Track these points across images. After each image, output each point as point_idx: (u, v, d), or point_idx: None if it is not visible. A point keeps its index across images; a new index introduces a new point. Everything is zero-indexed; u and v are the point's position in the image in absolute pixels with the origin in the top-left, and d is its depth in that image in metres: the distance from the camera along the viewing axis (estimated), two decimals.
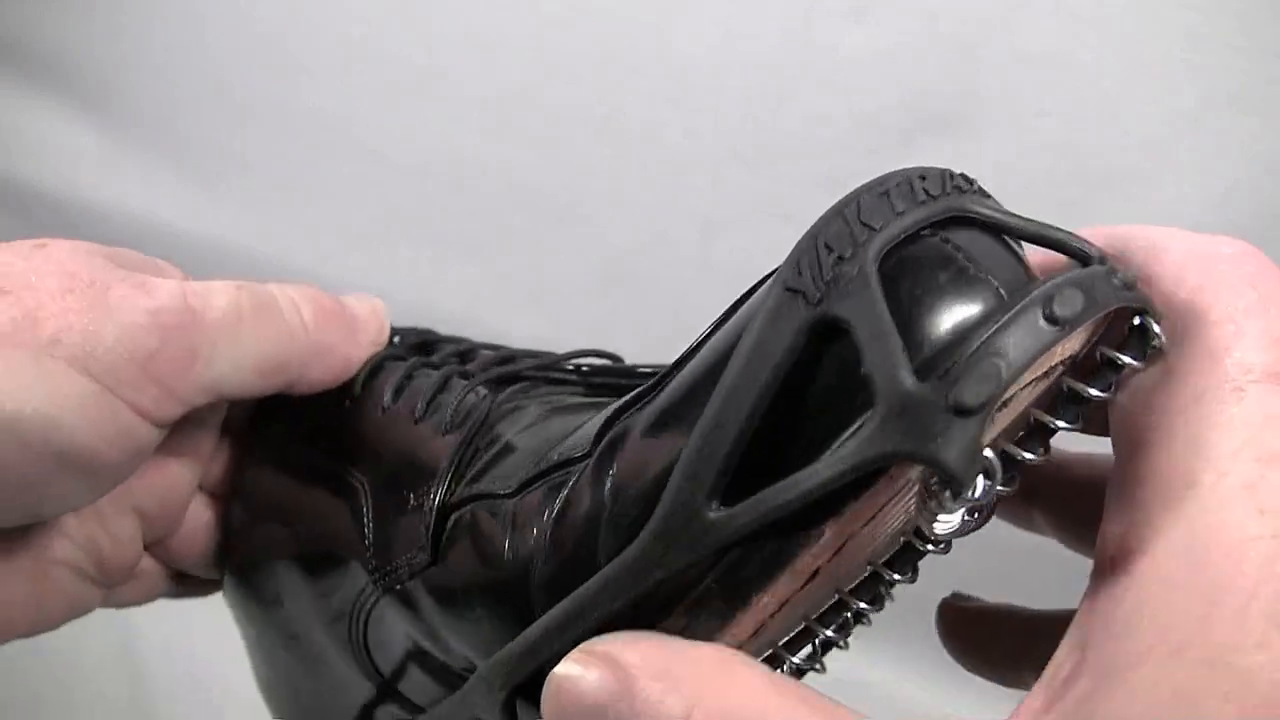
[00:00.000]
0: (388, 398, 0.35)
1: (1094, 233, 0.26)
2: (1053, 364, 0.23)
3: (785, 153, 0.41)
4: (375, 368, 0.36)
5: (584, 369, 0.37)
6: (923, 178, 0.23)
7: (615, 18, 0.62)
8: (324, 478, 0.35)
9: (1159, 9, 0.55)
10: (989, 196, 0.24)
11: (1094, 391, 0.24)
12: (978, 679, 0.39)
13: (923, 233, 0.23)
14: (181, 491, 0.37)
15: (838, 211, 0.23)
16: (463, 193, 0.69)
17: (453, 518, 0.31)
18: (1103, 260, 0.23)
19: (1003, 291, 0.22)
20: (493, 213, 0.69)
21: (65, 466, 0.30)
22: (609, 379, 0.36)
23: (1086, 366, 0.24)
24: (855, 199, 0.23)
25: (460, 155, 0.68)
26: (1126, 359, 0.23)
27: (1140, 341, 0.23)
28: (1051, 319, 0.21)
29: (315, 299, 0.36)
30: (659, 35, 0.62)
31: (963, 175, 0.24)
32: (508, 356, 0.38)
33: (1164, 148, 0.56)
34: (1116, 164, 0.56)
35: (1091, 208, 0.57)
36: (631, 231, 0.67)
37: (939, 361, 0.21)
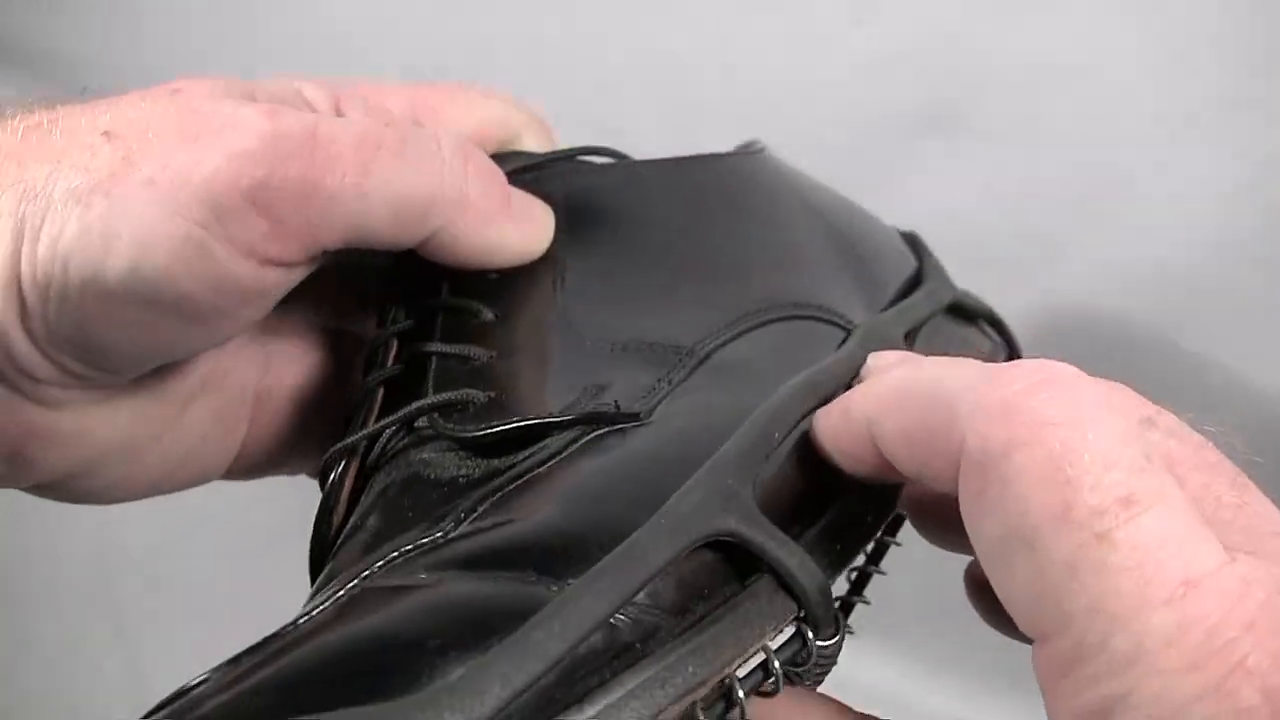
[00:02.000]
0: None
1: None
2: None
3: (786, 155, 0.41)
4: None
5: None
6: None
7: (614, 22, 0.62)
8: None
9: (1160, 10, 0.55)
10: None
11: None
12: (982, 683, 0.39)
13: None
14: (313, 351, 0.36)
15: None
16: None
17: None
18: None
19: None
20: None
21: (164, 312, 0.29)
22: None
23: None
24: None
25: None
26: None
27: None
28: None
29: (476, 155, 0.32)
30: (658, 39, 0.62)
31: None
32: None
33: (1165, 149, 0.56)
34: (1117, 165, 0.56)
35: (1093, 208, 0.57)
36: None
37: None
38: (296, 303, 0.35)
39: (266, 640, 0.23)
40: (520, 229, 0.32)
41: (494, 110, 0.36)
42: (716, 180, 0.37)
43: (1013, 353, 0.41)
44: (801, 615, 0.25)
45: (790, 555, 0.25)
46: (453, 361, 0.31)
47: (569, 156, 0.35)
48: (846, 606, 0.30)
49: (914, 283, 0.39)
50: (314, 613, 0.24)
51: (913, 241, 0.42)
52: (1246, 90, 0.55)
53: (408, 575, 0.24)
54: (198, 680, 0.23)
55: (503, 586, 0.23)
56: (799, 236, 0.37)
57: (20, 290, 0.29)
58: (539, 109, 0.37)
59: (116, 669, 0.69)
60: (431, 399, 0.30)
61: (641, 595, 0.23)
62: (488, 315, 0.32)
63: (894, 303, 0.37)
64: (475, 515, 0.26)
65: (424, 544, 0.25)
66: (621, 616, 0.23)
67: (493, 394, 0.30)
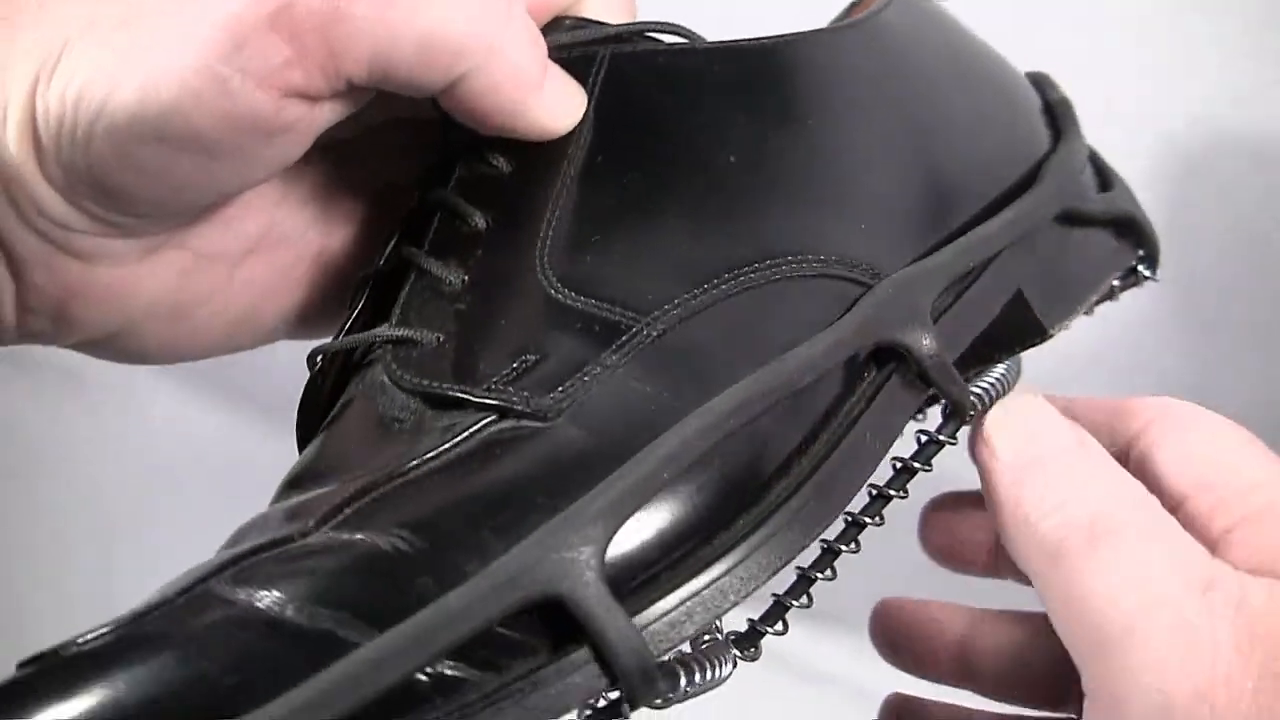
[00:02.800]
0: None
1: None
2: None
3: None
4: None
5: None
6: None
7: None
8: None
9: (1161, 12, 0.55)
10: None
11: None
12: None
13: None
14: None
15: None
16: None
17: None
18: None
19: None
20: None
21: (177, 150, 0.28)
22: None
23: None
24: None
25: None
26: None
27: None
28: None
29: (520, 9, 0.30)
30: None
31: None
32: None
33: (1166, 148, 0.56)
34: (1118, 166, 0.56)
35: None
36: None
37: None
38: (356, 162, 0.34)
39: None
40: (548, 102, 0.30)
41: None
42: (791, 72, 0.32)
43: (1147, 256, 0.37)
44: (620, 693, 0.24)
45: (617, 631, 0.24)
46: (427, 281, 0.30)
47: (621, 37, 0.32)
48: (807, 580, 0.29)
49: (1026, 182, 0.34)
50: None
51: (1057, 112, 0.37)
52: (1249, 92, 0.55)
53: (247, 586, 0.24)
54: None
55: (304, 637, 0.23)
56: (862, 146, 0.32)
57: (35, 131, 0.28)
58: None
59: None
60: (388, 331, 0.29)
61: (451, 654, 0.23)
62: (479, 223, 0.30)
63: (968, 227, 0.32)
64: (335, 522, 0.25)
65: (277, 542, 0.25)
66: (427, 672, 0.23)
67: (442, 337, 0.29)
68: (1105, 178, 0.37)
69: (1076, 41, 0.54)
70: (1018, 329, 0.33)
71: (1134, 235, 0.36)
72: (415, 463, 0.26)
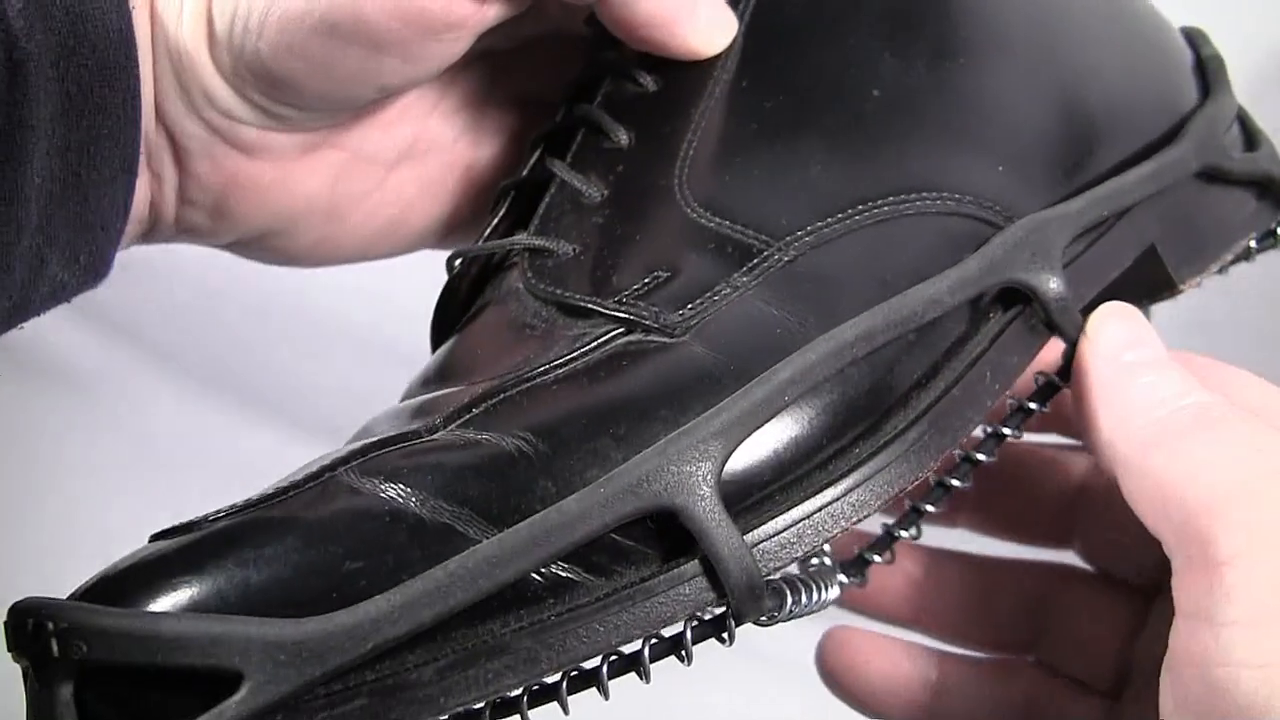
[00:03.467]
0: None
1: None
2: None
3: None
4: None
5: None
6: None
7: None
8: None
9: (1161, 11, 0.55)
10: None
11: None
12: None
13: None
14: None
15: None
16: None
17: None
18: None
19: None
20: None
21: (348, 42, 0.29)
22: None
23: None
24: None
25: None
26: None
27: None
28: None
29: None
30: None
31: None
32: None
33: None
34: None
35: None
36: None
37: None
38: (507, 76, 0.35)
39: None
40: (701, 24, 0.31)
41: None
42: (944, 7, 0.32)
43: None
44: (726, 608, 0.25)
45: (728, 547, 0.24)
46: (568, 193, 0.31)
47: None
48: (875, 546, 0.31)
49: (1170, 136, 0.34)
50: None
51: (1208, 68, 0.36)
52: (1250, 93, 0.55)
53: (373, 477, 0.25)
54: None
55: (425, 530, 0.24)
56: (1008, 88, 0.32)
57: (210, 18, 0.29)
58: None
59: None
60: (527, 239, 0.30)
61: (565, 556, 0.24)
62: (622, 139, 0.31)
63: (1107, 176, 0.32)
64: (462, 421, 0.26)
65: (405, 436, 0.26)
66: (541, 572, 0.24)
67: (578, 249, 0.30)
68: (1252, 137, 0.36)
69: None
70: (1148, 282, 0.33)
71: (1275, 197, 0.36)
72: (544, 368, 0.27)
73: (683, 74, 0.32)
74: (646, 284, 0.28)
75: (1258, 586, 0.24)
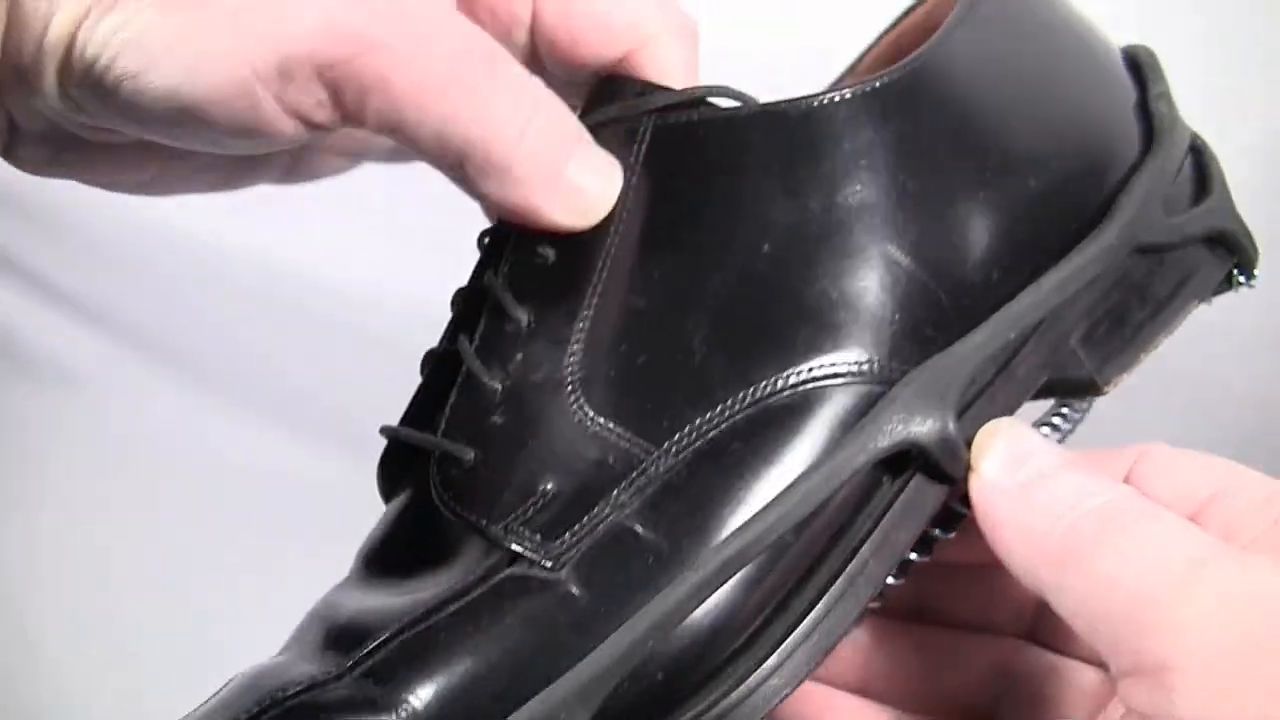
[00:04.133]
0: None
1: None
2: None
3: None
4: None
5: None
6: None
7: None
8: None
9: (1163, 11, 0.55)
10: None
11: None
12: None
13: None
14: None
15: None
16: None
17: None
18: None
19: None
20: None
21: (185, 133, 0.29)
22: None
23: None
24: None
25: None
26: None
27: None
28: None
29: (546, 110, 0.29)
30: None
31: None
32: None
33: None
34: None
35: None
36: None
37: None
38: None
39: None
40: (565, 196, 0.29)
41: (629, 11, 0.31)
42: (834, 140, 0.28)
43: (1239, 265, 0.33)
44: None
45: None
46: (473, 383, 0.30)
47: (668, 105, 0.29)
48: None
49: (1103, 210, 0.30)
50: None
51: (1152, 109, 0.32)
52: (1251, 93, 0.55)
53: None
54: None
55: None
56: (895, 225, 0.29)
57: (70, 55, 0.28)
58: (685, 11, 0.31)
59: (116, 668, 0.69)
60: (435, 439, 0.30)
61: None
62: (520, 319, 0.30)
63: (1024, 284, 0.29)
64: (364, 668, 0.27)
65: (312, 685, 0.27)
66: None
67: (478, 454, 0.30)
68: (1205, 179, 0.33)
69: None
70: (1067, 383, 0.31)
71: (1228, 247, 0.33)
72: (439, 603, 0.28)
73: (578, 243, 0.29)
74: (533, 504, 0.28)
75: (1200, 688, 0.24)
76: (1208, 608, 0.25)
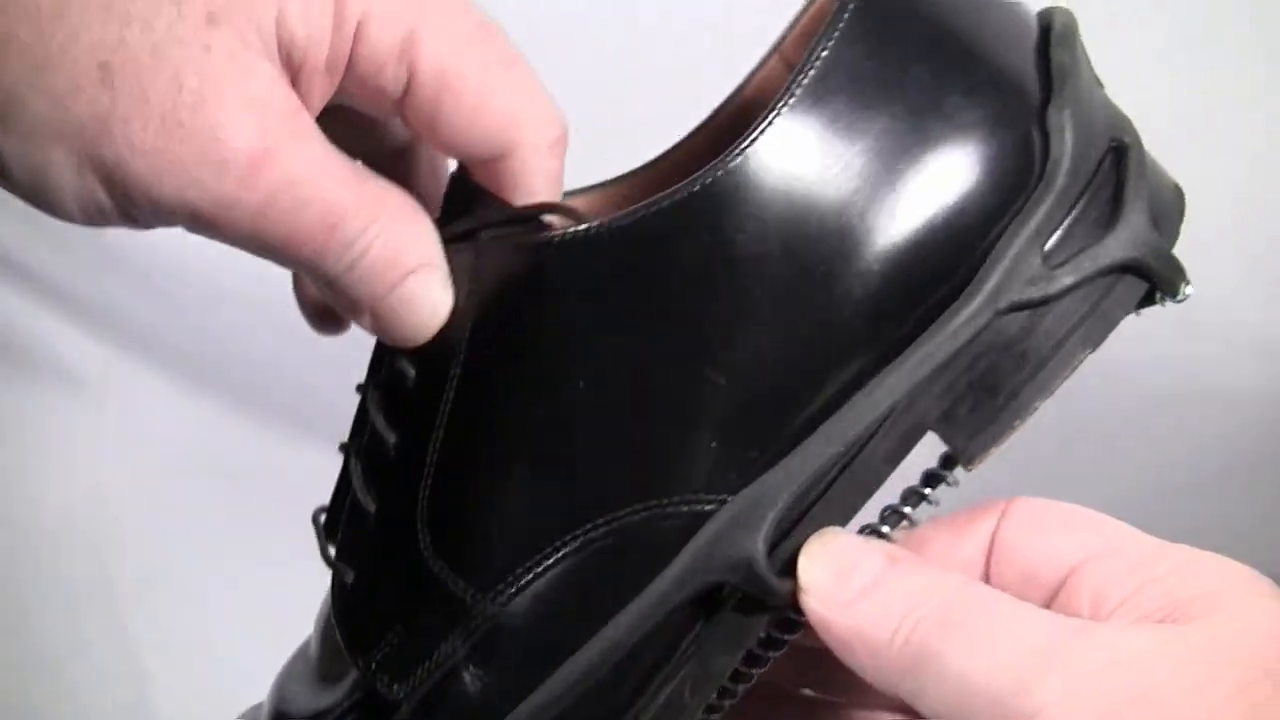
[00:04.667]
0: None
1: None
2: None
3: None
4: None
5: None
6: None
7: (614, 25, 0.62)
8: None
9: (1163, 11, 0.55)
10: None
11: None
12: None
13: None
14: None
15: None
16: None
17: None
18: None
19: None
20: None
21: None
22: None
23: None
24: None
25: None
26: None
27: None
28: None
29: (402, 226, 0.28)
30: (660, 41, 0.62)
31: None
32: None
33: (1168, 149, 0.56)
34: None
35: None
36: None
37: None
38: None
39: None
40: (392, 309, 0.28)
41: (493, 120, 0.29)
42: (644, 263, 0.26)
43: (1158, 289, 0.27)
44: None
45: None
46: (355, 499, 0.31)
47: (505, 221, 0.28)
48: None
49: (972, 270, 0.26)
50: None
51: (1050, 142, 0.27)
52: (1251, 92, 0.55)
53: None
54: None
55: None
56: (723, 346, 0.26)
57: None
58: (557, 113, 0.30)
59: (116, 669, 0.69)
60: (329, 555, 0.32)
61: None
62: (390, 441, 0.29)
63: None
64: None
65: None
66: None
67: (355, 576, 0.31)
68: (1118, 200, 0.28)
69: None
70: (927, 473, 0.29)
71: (1141, 273, 0.28)
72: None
73: (430, 360, 0.28)
74: (388, 642, 0.29)
75: None
76: (1068, 689, 0.24)
